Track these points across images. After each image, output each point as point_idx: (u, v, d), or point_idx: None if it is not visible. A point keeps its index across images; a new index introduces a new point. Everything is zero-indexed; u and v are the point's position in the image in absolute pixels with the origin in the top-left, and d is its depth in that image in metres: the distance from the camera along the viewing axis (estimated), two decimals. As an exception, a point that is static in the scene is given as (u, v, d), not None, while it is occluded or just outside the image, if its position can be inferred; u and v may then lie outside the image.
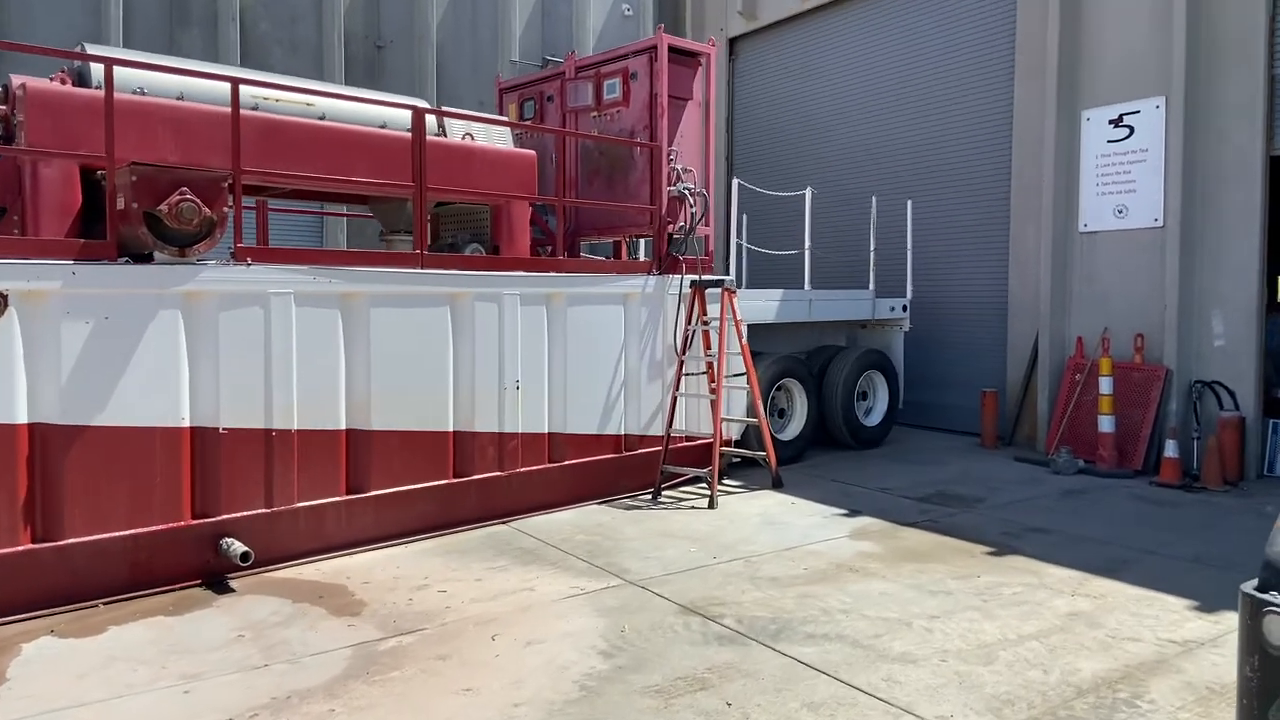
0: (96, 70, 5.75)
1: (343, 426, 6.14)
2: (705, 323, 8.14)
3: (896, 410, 10.33)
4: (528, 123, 9.26)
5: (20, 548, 4.94)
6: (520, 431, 7.02)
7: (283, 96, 6.49)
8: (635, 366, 7.82)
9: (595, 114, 8.65)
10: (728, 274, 9.07)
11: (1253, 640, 1.98)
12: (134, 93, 5.86)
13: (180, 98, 6.05)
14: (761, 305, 9.08)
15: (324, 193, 7.62)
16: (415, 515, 6.41)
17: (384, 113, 7.01)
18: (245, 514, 5.65)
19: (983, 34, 10.80)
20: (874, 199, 10.62)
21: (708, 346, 8.20)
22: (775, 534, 6.55)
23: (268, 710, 3.84)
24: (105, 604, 5.12)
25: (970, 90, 10.94)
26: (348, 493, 6.16)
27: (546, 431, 7.24)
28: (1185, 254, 8.72)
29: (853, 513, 7.14)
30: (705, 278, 8.14)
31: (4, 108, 5.70)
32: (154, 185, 5.20)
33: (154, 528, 5.32)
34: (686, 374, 8.09)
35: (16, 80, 5.59)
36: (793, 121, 13.28)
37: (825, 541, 6.34)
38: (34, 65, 7.16)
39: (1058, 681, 4.07)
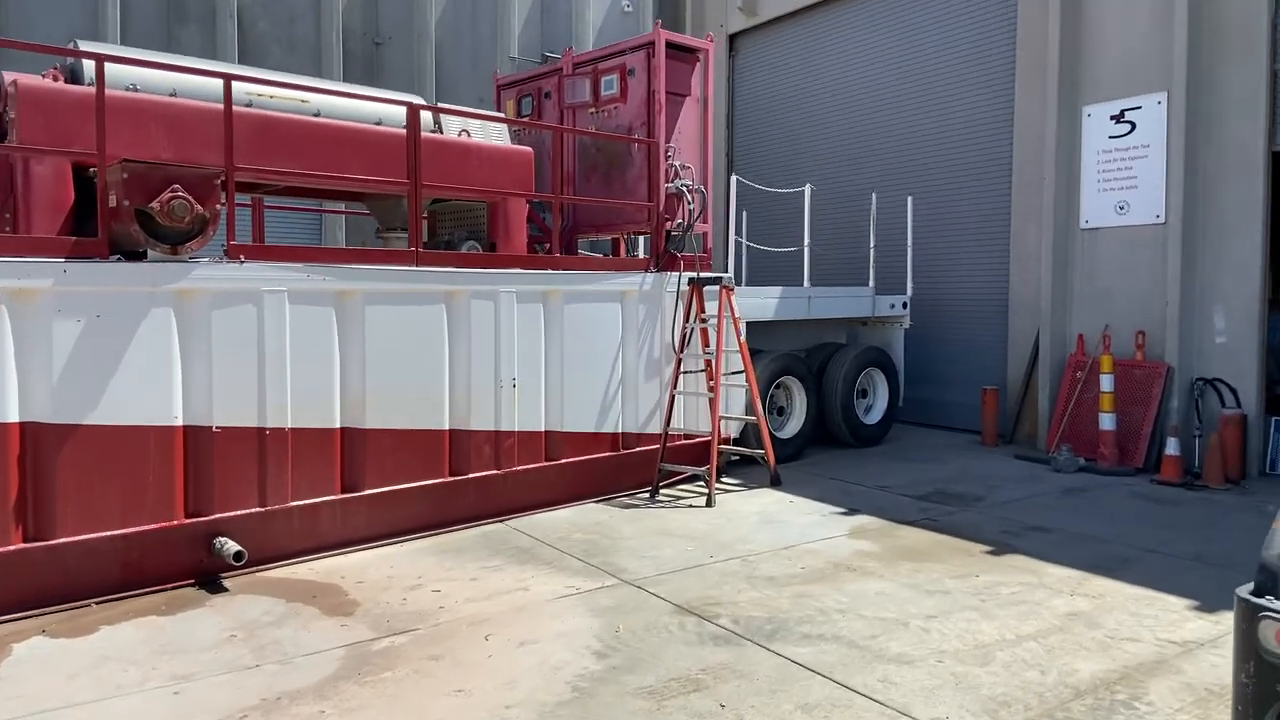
0: (89, 67, 5.71)
1: (337, 425, 6.11)
2: (703, 320, 8.10)
3: (897, 408, 10.28)
4: (524, 119, 9.22)
5: (12, 547, 4.91)
6: (517, 430, 6.99)
7: (277, 93, 6.45)
8: (633, 364, 7.78)
9: (593, 110, 8.61)
10: (726, 271, 9.02)
11: (1248, 646, 1.94)
12: (127, 89, 5.83)
13: (173, 94, 6.01)
14: (760, 302, 9.03)
15: (319, 190, 7.58)
16: (410, 514, 6.38)
17: (380, 109, 6.98)
18: (239, 513, 5.62)
19: (983, 30, 10.73)
20: (874, 195, 10.56)
21: (706, 344, 8.16)
22: (773, 533, 6.51)
23: (257, 711, 3.80)
24: (97, 603, 5.09)
25: (971, 86, 10.88)
26: (342, 491, 6.13)
27: (543, 430, 7.21)
28: (1187, 250, 8.66)
29: (851, 511, 7.10)
30: (703, 275, 8.10)
31: (-4, 105, 5.68)
32: (146, 182, 5.16)
33: (146, 527, 5.29)
34: (684, 372, 8.04)
35: (8, 77, 5.56)
36: (793, 118, 13.23)
37: (823, 540, 6.30)
38: (30, 63, 7.14)
39: (1055, 682, 4.03)
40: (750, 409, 8.14)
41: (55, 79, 5.84)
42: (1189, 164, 8.64)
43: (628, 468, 7.71)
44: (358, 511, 6.14)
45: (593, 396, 7.53)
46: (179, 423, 5.42)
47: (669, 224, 8.11)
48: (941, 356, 11.17)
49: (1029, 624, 4.72)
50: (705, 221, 8.36)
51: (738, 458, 8.43)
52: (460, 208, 8.18)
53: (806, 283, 9.82)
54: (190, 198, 5.27)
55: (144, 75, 5.93)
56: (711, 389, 7.88)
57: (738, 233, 10.19)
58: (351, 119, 6.76)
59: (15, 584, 4.88)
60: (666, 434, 7.82)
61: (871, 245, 10.39)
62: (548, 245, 8.38)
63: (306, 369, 5.91)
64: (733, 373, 8.20)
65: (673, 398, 7.89)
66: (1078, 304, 9.66)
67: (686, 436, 8.14)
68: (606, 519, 6.93)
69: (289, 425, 5.82)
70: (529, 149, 7.68)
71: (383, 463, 6.28)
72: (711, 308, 8.09)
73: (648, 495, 7.63)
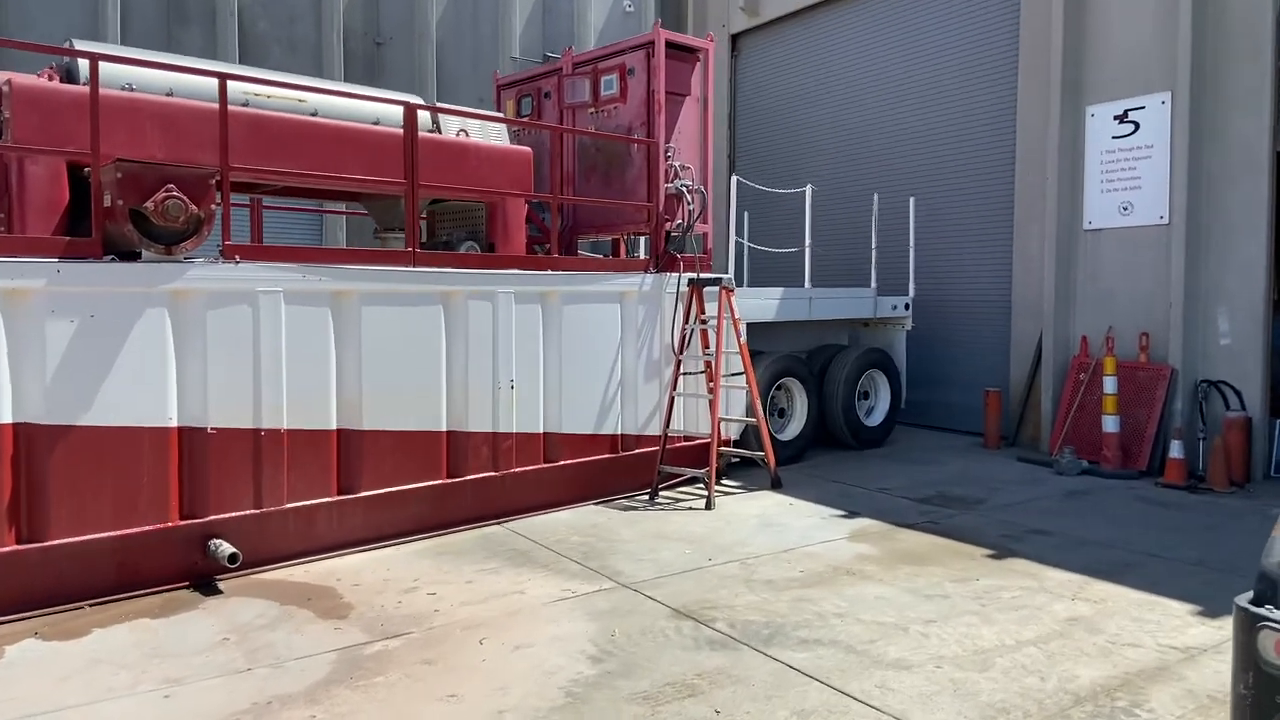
0: (85, 66, 5.69)
1: (334, 426, 6.07)
2: (703, 321, 8.05)
3: (898, 410, 10.22)
4: (523, 119, 9.18)
5: (5, 549, 4.89)
6: (515, 431, 6.95)
7: (274, 92, 6.42)
8: (632, 366, 7.74)
9: (593, 110, 8.57)
10: (727, 272, 8.97)
11: (1247, 656, 1.89)
12: (122, 89, 5.80)
13: (170, 94, 5.99)
14: (761, 304, 8.99)
15: (317, 190, 7.55)
16: (407, 516, 6.34)
17: (378, 109, 6.94)
18: (234, 515, 5.59)
19: (986, 29, 10.68)
20: (875, 196, 10.51)
21: (706, 345, 8.11)
22: (772, 536, 6.46)
23: (248, 715, 3.77)
24: (91, 606, 5.06)
25: (973, 86, 10.82)
26: (339, 493, 6.09)
27: (542, 431, 7.17)
28: (1191, 251, 8.60)
29: (851, 514, 7.05)
30: (703, 276, 8.05)
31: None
32: (140, 182, 5.14)
33: (141, 529, 5.26)
34: (684, 373, 8.00)
35: (2, 76, 5.53)
36: (795, 118, 13.17)
37: (822, 543, 6.26)
38: (27, 63, 7.12)
39: (1055, 689, 3.98)
40: (750, 410, 8.09)
41: (50, 78, 5.82)
42: (1193, 164, 8.58)
43: (627, 470, 7.66)
44: (354, 513, 6.10)
45: (592, 398, 7.49)
46: (174, 424, 5.39)
47: (669, 224, 8.07)
48: (944, 358, 11.11)
49: (1029, 629, 4.66)
50: (705, 222, 8.32)
51: (738, 460, 8.39)
52: (459, 208, 8.15)
53: (808, 284, 9.78)
54: (185, 197, 5.24)
55: (140, 75, 5.90)
56: (711, 390, 7.84)
57: (738, 233, 10.13)
58: (349, 119, 6.73)
59: (8, 586, 4.85)
60: (666, 436, 7.77)
61: (873, 246, 10.33)
62: (547, 246, 8.35)
63: (302, 370, 5.88)
64: (733, 374, 8.16)
65: (672, 399, 7.85)
66: (1081, 305, 9.60)
67: (686, 438, 8.09)
68: (605, 521, 6.89)
69: (285, 426, 5.78)
70: (528, 149, 7.64)
71: (379, 464, 6.24)
72: (711, 309, 8.05)
73: (647, 497, 7.59)
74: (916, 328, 10.71)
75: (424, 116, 7.13)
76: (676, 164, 8.12)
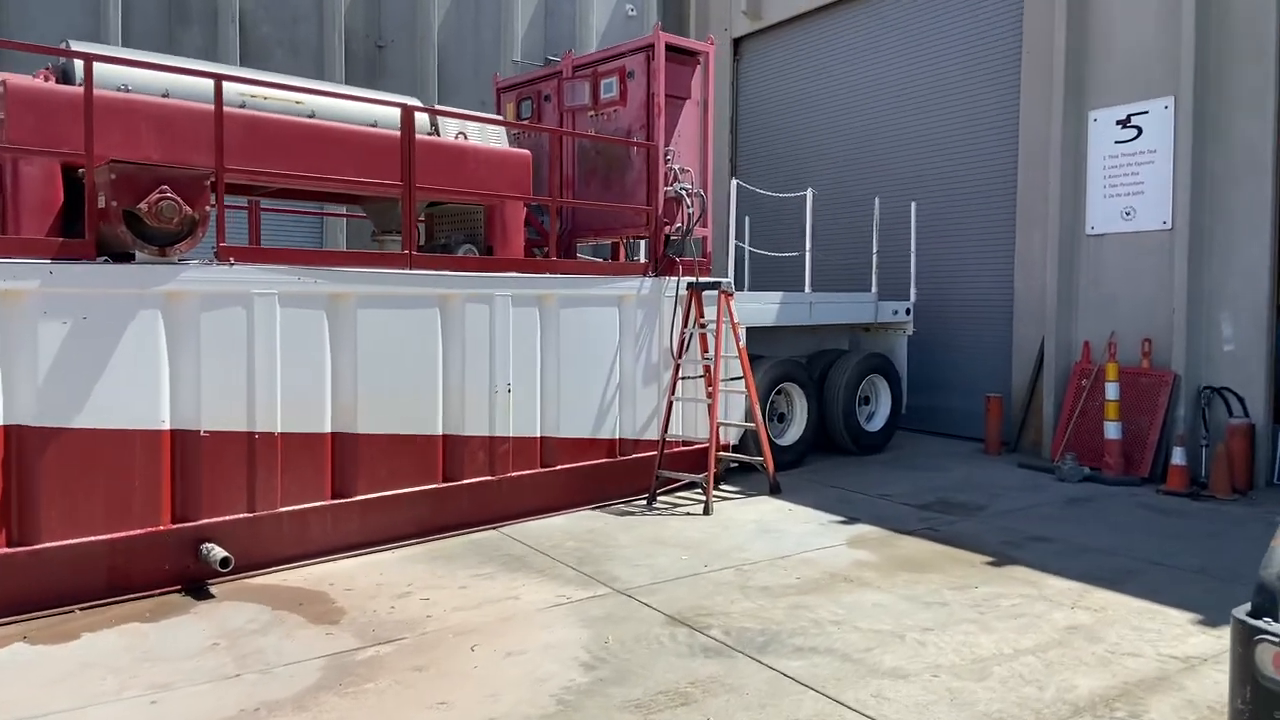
0: (81, 67, 5.66)
1: (328, 430, 6.03)
2: (702, 325, 8.01)
3: (899, 415, 10.16)
4: (523, 122, 9.15)
5: (-5, 552, 4.86)
6: (512, 435, 6.91)
7: (271, 94, 6.40)
8: (630, 369, 7.70)
9: (592, 113, 8.54)
10: (726, 276, 8.93)
11: (1244, 670, 1.83)
12: (118, 90, 5.78)
13: (166, 95, 5.96)
14: (761, 308, 8.94)
15: (315, 192, 7.52)
16: (402, 520, 6.30)
17: (375, 111, 6.91)
18: (227, 518, 5.54)
19: (989, 34, 10.64)
20: (877, 200, 10.46)
21: (705, 350, 8.06)
22: (770, 542, 6.41)
23: (235, 722, 3.73)
24: (82, 610, 5.02)
25: (976, 90, 10.77)
26: (333, 497, 6.05)
27: (539, 435, 7.12)
28: (1194, 257, 8.53)
29: (851, 520, 6.99)
30: (702, 280, 8.01)
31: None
32: (134, 183, 5.11)
33: (132, 532, 5.22)
34: (683, 377, 7.95)
35: (-2, 77, 5.52)
36: (797, 122, 13.14)
37: (820, 550, 6.20)
38: (25, 64, 7.10)
39: (1053, 699, 3.92)
40: (749, 415, 8.04)
41: (47, 79, 5.80)
42: (1196, 169, 8.52)
43: (624, 474, 7.61)
44: (349, 517, 6.06)
45: (589, 402, 7.45)
46: (166, 426, 5.35)
47: (668, 228, 8.03)
48: (945, 363, 11.05)
49: (1028, 638, 4.61)
50: (705, 226, 8.28)
51: (736, 464, 8.33)
52: (458, 211, 8.11)
53: (808, 288, 9.73)
54: (179, 199, 5.21)
55: (136, 76, 5.88)
56: (710, 395, 7.79)
57: (739, 237, 10.09)
58: (347, 121, 6.70)
59: (-2, 589, 4.82)
60: (664, 440, 7.72)
61: (874, 250, 10.28)
62: (546, 249, 8.32)
63: (297, 373, 5.84)
64: (732, 378, 8.11)
65: (670, 403, 7.80)
66: (1083, 310, 9.54)
67: (685, 443, 8.04)
68: (601, 526, 6.84)
69: (279, 430, 5.74)
70: (526, 152, 7.61)
71: (375, 468, 6.20)
72: (710, 313, 8.00)
73: (644, 502, 7.54)
74: (918, 332, 10.65)
75: (422, 119, 7.10)
76: (676, 167, 8.08)
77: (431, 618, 4.91)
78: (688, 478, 7.64)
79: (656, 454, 7.67)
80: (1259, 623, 1.85)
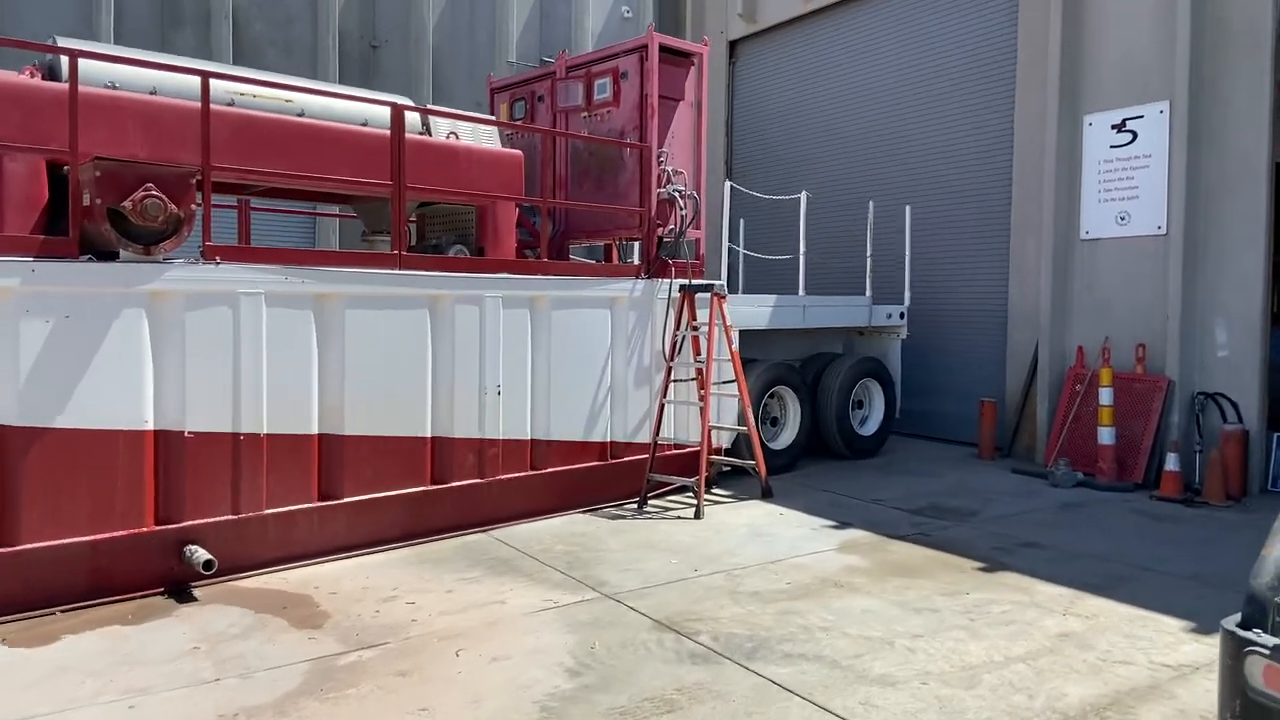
0: (68, 64, 5.60)
1: (315, 431, 5.97)
2: (694, 328, 7.96)
3: (893, 419, 10.12)
4: (516, 122, 9.11)
5: (-26, 553, 4.79)
6: (501, 438, 6.85)
7: (260, 92, 6.34)
8: (622, 372, 7.64)
9: (585, 114, 8.49)
10: (719, 278, 8.88)
11: (1234, 682, 1.79)
12: (105, 87, 5.72)
13: (153, 93, 5.91)
14: (754, 310, 8.90)
15: (304, 191, 7.46)
16: (390, 523, 6.24)
17: (366, 110, 6.86)
18: (211, 520, 5.48)
19: (984, 38, 10.61)
20: (870, 204, 10.43)
21: (697, 352, 8.01)
22: (761, 546, 6.36)
23: (213, 728, 3.67)
24: (63, 612, 4.95)
25: (971, 94, 10.75)
26: (319, 499, 5.99)
27: (529, 438, 7.07)
28: (1188, 262, 8.51)
29: (842, 525, 6.95)
30: (695, 282, 7.96)
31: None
32: (119, 181, 5.06)
33: (115, 534, 5.15)
34: (675, 380, 7.90)
35: (-18, 73, 5.46)
36: (793, 125, 13.11)
37: (811, 555, 6.15)
38: (12, 61, 7.04)
39: (1043, 707, 3.87)
40: (742, 418, 7.99)
41: (33, 76, 5.74)
42: (1191, 174, 8.50)
43: (615, 477, 7.56)
44: (335, 520, 6.00)
45: (580, 404, 7.39)
46: (150, 427, 5.29)
47: (661, 230, 7.98)
48: (939, 367, 11.01)
49: (1018, 645, 4.56)
50: (698, 228, 8.23)
51: (729, 468, 8.28)
52: (449, 211, 8.06)
53: (802, 291, 9.68)
54: (164, 197, 5.16)
55: (124, 73, 5.83)
56: (702, 398, 7.74)
57: (733, 240, 10.04)
58: (337, 120, 6.65)
59: (-24, 591, 4.76)
60: (655, 443, 7.67)
61: (869, 254, 10.24)
62: (537, 250, 8.27)
63: (284, 373, 5.78)
64: (724, 382, 8.05)
65: (662, 406, 7.74)
66: (1077, 316, 9.50)
67: (676, 446, 7.99)
68: (591, 530, 6.79)
69: (264, 431, 5.68)
70: (518, 152, 7.56)
71: (362, 470, 6.14)
72: (703, 315, 7.95)
73: (635, 506, 7.48)
74: (911, 337, 10.61)
75: (413, 119, 7.05)
76: (669, 169, 8.04)
77: (416, 622, 4.86)
78: (679, 481, 7.58)
79: (648, 457, 7.62)
80: (1249, 634, 1.81)
